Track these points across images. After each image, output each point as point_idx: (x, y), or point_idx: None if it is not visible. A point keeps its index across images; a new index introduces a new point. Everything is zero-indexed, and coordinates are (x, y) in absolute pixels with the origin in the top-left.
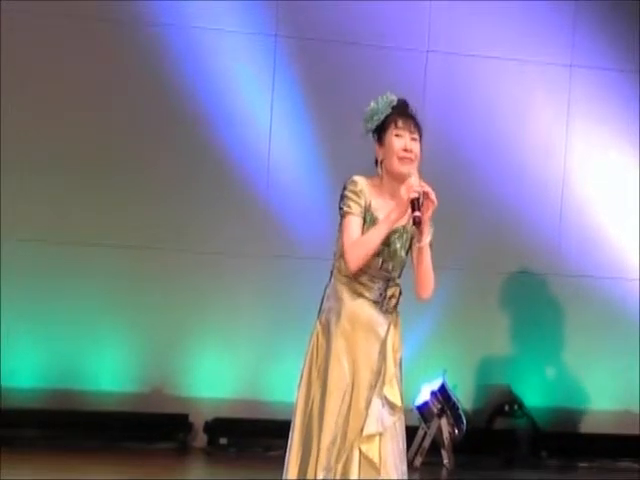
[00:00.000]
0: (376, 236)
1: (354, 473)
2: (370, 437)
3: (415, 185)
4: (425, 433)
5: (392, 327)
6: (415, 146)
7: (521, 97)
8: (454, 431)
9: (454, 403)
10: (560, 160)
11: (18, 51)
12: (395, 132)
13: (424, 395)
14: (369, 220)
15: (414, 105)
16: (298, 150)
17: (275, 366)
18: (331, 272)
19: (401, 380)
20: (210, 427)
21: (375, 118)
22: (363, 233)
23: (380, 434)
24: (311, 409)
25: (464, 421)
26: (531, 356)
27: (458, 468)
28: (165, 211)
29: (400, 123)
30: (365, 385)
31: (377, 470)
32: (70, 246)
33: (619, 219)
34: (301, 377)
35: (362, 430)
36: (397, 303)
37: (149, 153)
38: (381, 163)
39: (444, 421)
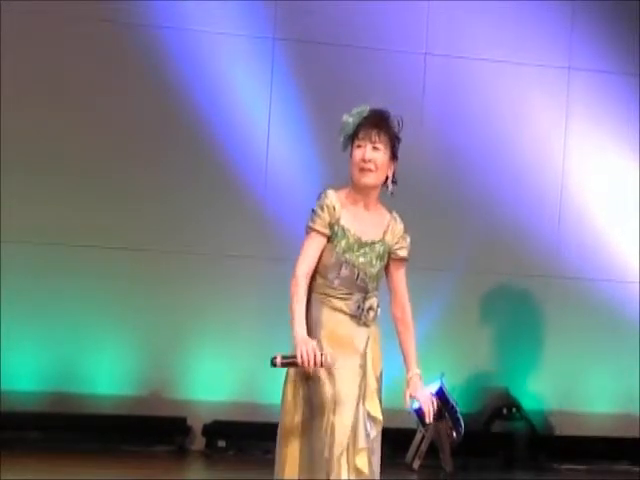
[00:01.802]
0: (292, 319)
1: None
2: (359, 451)
3: (311, 358)
4: (423, 436)
5: (371, 340)
6: (376, 155)
7: (519, 99)
8: (452, 434)
9: (452, 406)
10: (559, 163)
11: (18, 51)
12: (356, 143)
13: None
14: (340, 234)
15: (409, 110)
16: (296, 152)
17: (273, 369)
18: (309, 287)
19: (381, 393)
20: (208, 430)
21: (344, 131)
22: (333, 244)
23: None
24: (299, 421)
25: (462, 424)
26: (529, 359)
27: (456, 471)
28: (163, 213)
29: (361, 134)
30: (349, 399)
31: (366, 478)
32: (69, 247)
33: (618, 222)
34: (285, 389)
35: (349, 444)
36: (375, 315)
37: (148, 154)
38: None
39: (442, 424)
